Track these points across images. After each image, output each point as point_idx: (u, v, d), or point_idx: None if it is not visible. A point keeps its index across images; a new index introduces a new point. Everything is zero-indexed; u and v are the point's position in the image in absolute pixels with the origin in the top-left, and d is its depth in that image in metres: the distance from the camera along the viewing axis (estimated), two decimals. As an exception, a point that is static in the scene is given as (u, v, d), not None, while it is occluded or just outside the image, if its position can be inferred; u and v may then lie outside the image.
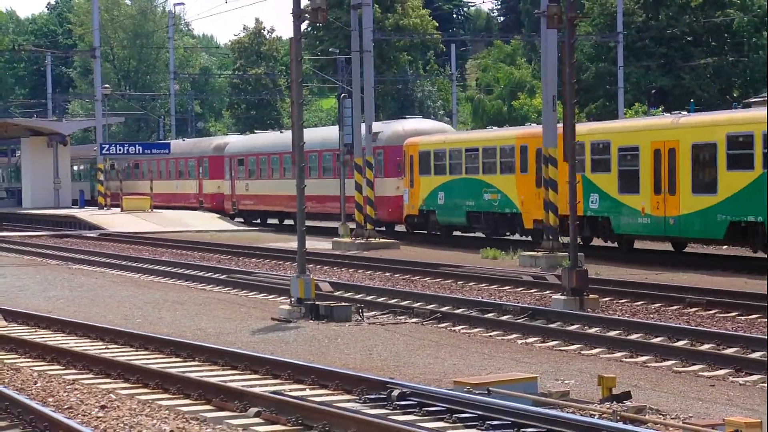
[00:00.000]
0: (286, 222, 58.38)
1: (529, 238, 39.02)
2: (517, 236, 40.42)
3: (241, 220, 61.19)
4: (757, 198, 29.29)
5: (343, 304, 22.80)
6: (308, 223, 58.15)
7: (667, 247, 35.47)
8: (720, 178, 30.59)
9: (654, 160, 32.58)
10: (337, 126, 45.42)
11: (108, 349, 18.47)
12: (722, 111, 38.19)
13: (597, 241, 36.16)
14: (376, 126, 48.07)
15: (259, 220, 60.37)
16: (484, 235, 42.05)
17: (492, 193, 40.12)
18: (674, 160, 31.64)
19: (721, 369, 16.12)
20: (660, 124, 34.00)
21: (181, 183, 67.26)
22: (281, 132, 64.06)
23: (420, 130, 47.24)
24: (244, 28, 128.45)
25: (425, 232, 45.29)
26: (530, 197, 37.96)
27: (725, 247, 34.20)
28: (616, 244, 35.68)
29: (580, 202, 30.89)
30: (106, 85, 73.22)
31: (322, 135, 53.54)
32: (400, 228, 47.83)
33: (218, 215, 61.07)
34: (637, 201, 33.13)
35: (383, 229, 46.65)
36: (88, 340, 19.50)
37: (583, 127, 35.08)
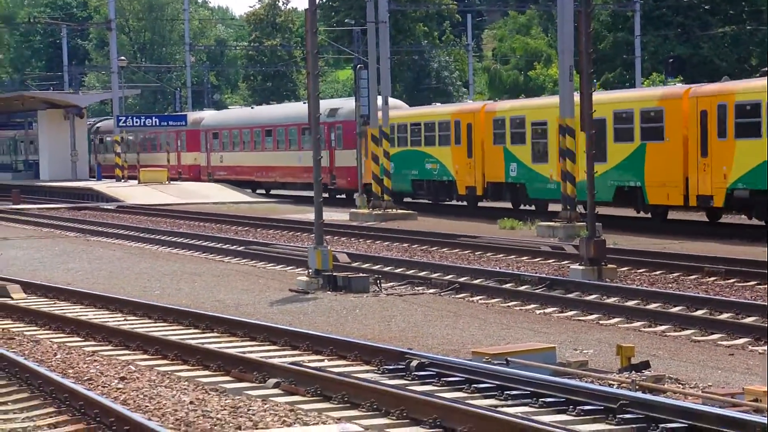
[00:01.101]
0: (258, 192, 62.58)
1: (465, 203, 43.61)
2: (454, 201, 44.86)
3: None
4: (636, 166, 33.82)
5: (361, 275, 22.81)
6: (279, 192, 59.99)
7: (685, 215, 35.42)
8: (609, 149, 34.69)
9: (559, 133, 34.85)
10: (303, 102, 49.73)
11: (127, 320, 18.54)
12: (614, 90, 42.95)
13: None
14: (336, 102, 55.16)
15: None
16: (429, 201, 46.10)
17: (432, 163, 44.37)
18: (574, 135, 33.31)
19: (740, 338, 16.10)
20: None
21: (163, 155, 69.55)
22: (252, 108, 68.10)
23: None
24: (259, 0, 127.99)
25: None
26: (463, 167, 42.41)
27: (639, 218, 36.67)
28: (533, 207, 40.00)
29: (503, 170, 39.32)
30: (122, 58, 73.24)
31: (293, 110, 58.29)
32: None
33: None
34: (546, 169, 37.64)
35: (344, 196, 52.17)
36: (107, 312, 19.56)
37: (505, 104, 42.16)
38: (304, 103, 56.66)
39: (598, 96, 34.95)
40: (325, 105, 52.37)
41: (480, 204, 43.57)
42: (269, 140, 59.32)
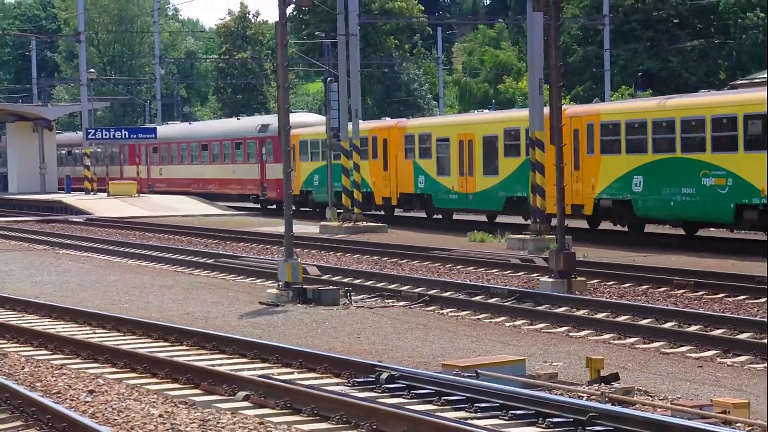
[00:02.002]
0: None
1: (382, 212, 47.10)
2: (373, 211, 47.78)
3: None
4: (523, 178, 36.74)
5: (331, 287, 22.78)
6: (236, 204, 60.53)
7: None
8: (500, 163, 38.84)
9: (459, 148, 40.81)
10: (237, 119, 55.00)
11: (96, 333, 18.44)
12: (505, 111, 48.48)
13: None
14: (268, 119, 59.11)
15: None
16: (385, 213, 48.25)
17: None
18: (472, 149, 39.70)
19: (708, 350, 16.16)
20: (463, 120, 44.51)
21: (109, 168, 72.89)
22: (189, 123, 72.96)
23: (304, 123, 53.81)
24: (229, 12, 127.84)
25: (308, 209, 52.05)
26: (380, 179, 46.01)
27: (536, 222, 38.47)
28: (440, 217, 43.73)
29: (413, 182, 43.40)
30: (92, 70, 73.04)
31: (228, 126, 62.93)
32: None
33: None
34: (449, 181, 41.47)
35: (274, 207, 55.25)
36: (76, 325, 19.46)
37: (415, 122, 46.23)
38: (238, 119, 66.26)
39: (493, 115, 43.36)
40: (256, 121, 60.99)
41: (396, 213, 47.37)
42: (205, 154, 63.05)
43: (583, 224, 36.67)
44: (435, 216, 42.53)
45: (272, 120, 56.39)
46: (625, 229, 34.61)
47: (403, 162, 44.66)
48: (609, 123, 34.33)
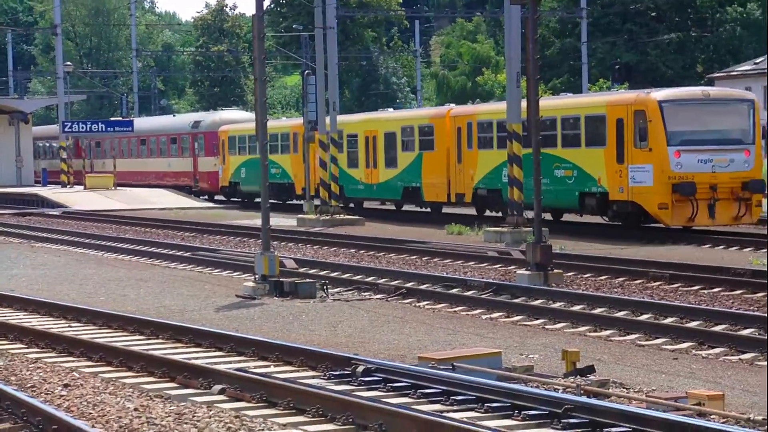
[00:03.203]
0: None
1: (302, 202, 49.03)
2: (294, 201, 51.66)
3: None
4: (416, 170, 41.71)
5: (308, 280, 22.75)
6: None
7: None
8: (398, 157, 42.79)
9: (366, 144, 44.69)
10: (173, 115, 61.07)
11: (71, 327, 18.38)
12: (402, 110, 53.88)
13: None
14: (199, 115, 65.63)
15: None
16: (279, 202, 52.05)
17: (276, 168, 50.58)
18: (376, 144, 43.68)
19: (684, 342, 16.21)
20: (369, 118, 47.84)
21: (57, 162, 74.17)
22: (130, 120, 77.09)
23: (233, 119, 59.65)
24: (206, 5, 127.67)
25: (238, 199, 56.25)
26: (299, 172, 49.10)
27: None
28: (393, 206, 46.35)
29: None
30: (68, 63, 72.75)
31: (165, 122, 67.36)
32: (220, 197, 59.38)
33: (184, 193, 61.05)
34: (357, 173, 45.11)
35: (206, 197, 60.26)
36: (51, 319, 19.39)
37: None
38: (174, 116, 72.18)
39: (392, 114, 47.04)
40: (189, 118, 65.96)
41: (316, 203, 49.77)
42: (143, 149, 67.51)
43: (470, 211, 40.41)
44: (353, 206, 44.93)
45: (204, 117, 63.76)
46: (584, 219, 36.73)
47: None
48: (484, 122, 38.60)
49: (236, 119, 59.89)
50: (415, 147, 41.92)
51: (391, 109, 52.27)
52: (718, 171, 31.62)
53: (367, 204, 47.20)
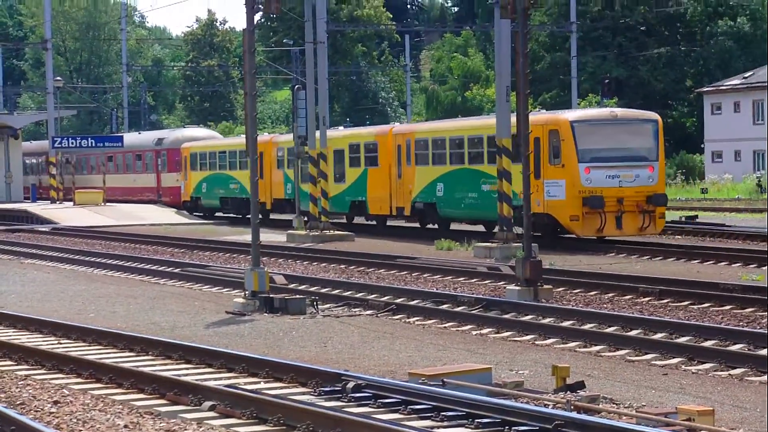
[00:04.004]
0: None
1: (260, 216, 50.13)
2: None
3: None
4: (362, 185, 44.04)
5: (298, 296, 22.73)
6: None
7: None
8: (346, 172, 44.93)
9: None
10: (139, 133, 64.30)
11: (61, 344, 18.34)
12: (352, 128, 54.48)
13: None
14: (163, 133, 69.36)
15: None
16: (238, 215, 54.24)
17: (234, 184, 53.81)
18: (326, 160, 43.28)
19: (673, 358, 16.22)
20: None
21: (32, 177, 76.75)
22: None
23: (195, 137, 62.68)
24: (196, 20, 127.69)
25: (201, 213, 58.42)
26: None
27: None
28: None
29: (283, 189, 49.64)
30: (58, 78, 72.74)
31: (131, 140, 68.98)
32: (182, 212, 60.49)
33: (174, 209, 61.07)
34: (309, 188, 44.48)
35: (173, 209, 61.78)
36: (41, 336, 19.35)
37: (281, 138, 52.27)
38: (139, 134, 74.24)
39: (340, 132, 48.74)
40: (154, 135, 68.93)
41: (271, 216, 51.63)
42: (111, 165, 69.93)
43: (413, 223, 43.03)
44: (431, 226, 43.87)
45: (167, 134, 67.30)
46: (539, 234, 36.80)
47: (276, 171, 50.85)
48: (420, 140, 40.98)
49: (198, 137, 63.18)
50: (361, 163, 44.29)
51: (341, 127, 54.41)
52: (624, 186, 33.94)
53: (357, 220, 47.49)
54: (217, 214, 57.40)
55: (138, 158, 67.01)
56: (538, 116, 37.56)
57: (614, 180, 34.01)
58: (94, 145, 66.27)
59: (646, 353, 16.61)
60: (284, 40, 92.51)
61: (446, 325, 20.12)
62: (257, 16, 24.69)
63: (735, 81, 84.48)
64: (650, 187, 34.26)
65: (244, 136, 48.52)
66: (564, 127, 34.36)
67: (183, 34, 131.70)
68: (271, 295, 22.21)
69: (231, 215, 55.66)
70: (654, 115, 36.75)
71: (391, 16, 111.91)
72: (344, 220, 46.29)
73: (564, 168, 34.10)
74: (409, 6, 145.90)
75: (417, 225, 42.83)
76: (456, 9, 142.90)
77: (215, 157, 56.64)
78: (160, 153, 64.36)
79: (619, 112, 37.62)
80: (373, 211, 43.78)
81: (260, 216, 52.03)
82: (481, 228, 39.70)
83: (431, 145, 40.30)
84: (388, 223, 44.77)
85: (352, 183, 44.63)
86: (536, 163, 34.11)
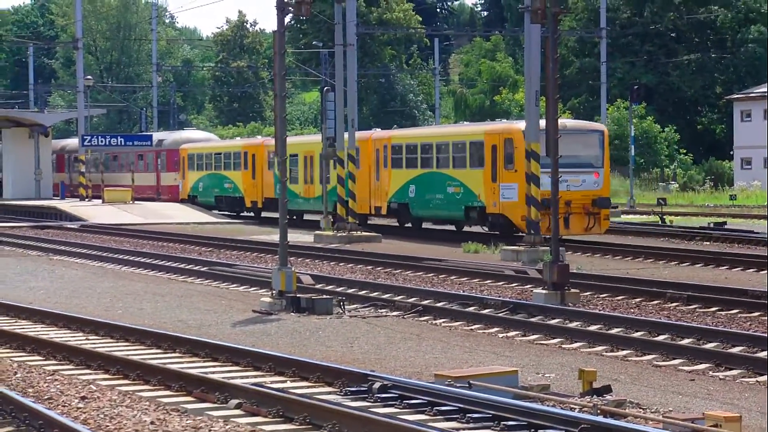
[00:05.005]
0: None
1: (252, 214, 56.98)
2: (245, 213, 57.77)
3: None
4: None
5: (325, 296, 22.78)
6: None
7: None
8: (331, 174, 45.17)
9: (304, 163, 50.44)
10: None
11: (88, 340, 18.43)
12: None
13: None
14: (162, 135, 73.25)
15: None
16: (231, 212, 58.64)
17: (228, 183, 57.85)
18: (312, 163, 49.09)
19: (701, 363, 16.17)
20: (306, 140, 53.96)
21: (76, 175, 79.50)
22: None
23: (193, 139, 67.12)
24: (227, 21, 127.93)
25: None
26: (249, 186, 55.74)
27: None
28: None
29: (273, 189, 52.56)
30: (89, 77, 72.97)
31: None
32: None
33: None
34: (298, 188, 50.34)
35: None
36: (69, 331, 19.45)
37: (271, 141, 51.06)
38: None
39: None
40: (155, 137, 71.07)
41: (263, 215, 55.72)
42: (115, 164, 74.00)
43: (392, 222, 46.15)
44: (407, 225, 46.37)
45: (166, 136, 71.37)
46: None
47: (267, 172, 53.96)
48: (396, 145, 43.79)
49: (196, 138, 67.59)
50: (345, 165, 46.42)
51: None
52: (572, 189, 36.39)
53: (381, 221, 47.81)
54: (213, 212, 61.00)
55: (140, 158, 71.00)
56: (495, 126, 41.90)
57: (563, 184, 34.66)
58: (123, 143, 66.63)
59: (674, 358, 16.56)
60: (314, 42, 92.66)
61: (473, 327, 20.12)
62: (287, 18, 24.77)
63: (765, 88, 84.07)
64: (596, 191, 37.07)
65: (239, 138, 49.33)
66: (517, 135, 36.76)
67: (213, 35, 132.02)
68: (298, 295, 22.25)
69: (226, 212, 59.14)
70: (600, 126, 40.09)
71: (421, 19, 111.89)
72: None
73: (517, 173, 36.53)
74: (438, 10, 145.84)
75: (395, 223, 46.15)
76: (485, 13, 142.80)
77: (211, 158, 60.58)
78: (160, 153, 68.36)
79: (569, 123, 40.35)
80: (358, 210, 45.34)
81: (252, 214, 56.14)
82: (451, 227, 43.48)
83: (405, 150, 43.23)
84: (369, 222, 46.90)
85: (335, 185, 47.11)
86: (493, 168, 37.98)
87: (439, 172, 41.31)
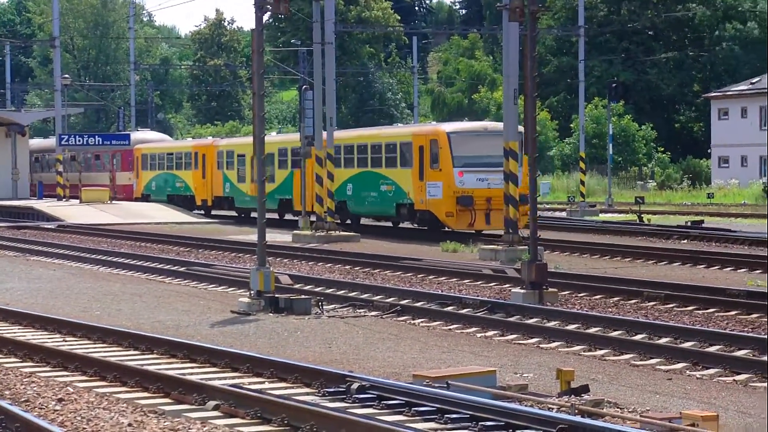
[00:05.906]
0: None
1: (202, 212, 58.67)
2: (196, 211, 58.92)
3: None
4: (289, 185, 49.09)
5: (303, 297, 22.76)
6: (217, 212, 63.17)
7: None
8: (276, 174, 49.67)
9: (252, 162, 48.53)
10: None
11: (66, 341, 18.37)
12: (286, 135, 62.56)
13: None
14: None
15: None
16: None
17: (180, 183, 60.14)
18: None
19: (678, 363, 16.22)
20: (251, 141, 53.63)
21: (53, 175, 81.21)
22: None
23: (147, 139, 68.84)
24: (204, 19, 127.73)
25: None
26: (199, 185, 57.95)
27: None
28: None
29: (222, 187, 55.36)
30: (66, 76, 72.69)
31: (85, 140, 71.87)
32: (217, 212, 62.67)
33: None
34: (245, 187, 52.34)
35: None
36: (46, 333, 19.37)
37: (222, 142, 59.32)
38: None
39: (271, 138, 50.79)
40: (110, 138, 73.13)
41: (212, 212, 58.00)
42: (74, 164, 72.16)
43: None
44: (347, 222, 47.33)
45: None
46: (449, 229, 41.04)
47: (216, 172, 56.24)
48: (337, 146, 43.67)
49: (149, 139, 69.28)
50: (288, 166, 49.46)
51: (274, 133, 61.16)
52: (492, 187, 38.46)
53: (362, 221, 47.87)
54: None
55: (97, 158, 72.78)
56: (422, 128, 44.81)
57: (483, 182, 39.18)
58: (101, 143, 66.62)
59: (651, 358, 16.61)
60: (292, 41, 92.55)
61: (451, 327, 20.13)
62: (266, 17, 24.72)
63: (742, 86, 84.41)
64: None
65: (190, 139, 50.17)
66: (442, 137, 39.62)
67: (191, 33, 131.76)
68: (276, 295, 22.23)
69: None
70: (519, 128, 40.12)
71: (399, 17, 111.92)
72: (388, 224, 48.59)
73: (441, 172, 39.36)
74: (417, 8, 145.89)
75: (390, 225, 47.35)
76: (464, 11, 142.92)
77: (164, 158, 62.76)
78: (115, 153, 70.32)
79: (489, 125, 42.50)
80: (298, 207, 47.18)
81: (202, 212, 58.11)
82: (388, 223, 45.99)
83: (343, 151, 45.13)
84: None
85: (281, 183, 49.76)
86: (421, 167, 40.28)
87: (373, 172, 43.50)
